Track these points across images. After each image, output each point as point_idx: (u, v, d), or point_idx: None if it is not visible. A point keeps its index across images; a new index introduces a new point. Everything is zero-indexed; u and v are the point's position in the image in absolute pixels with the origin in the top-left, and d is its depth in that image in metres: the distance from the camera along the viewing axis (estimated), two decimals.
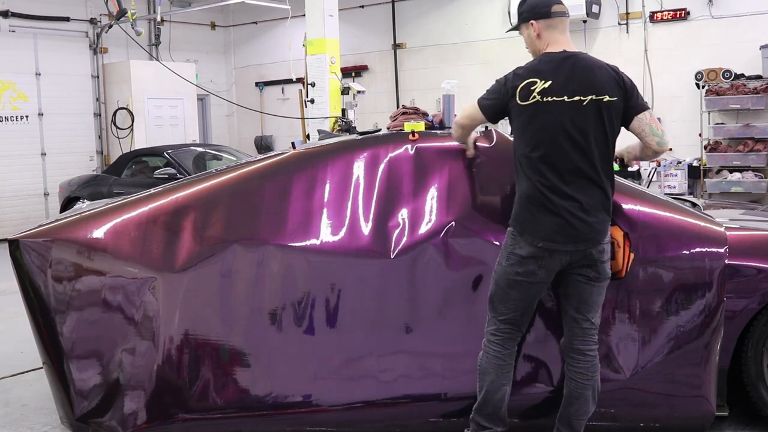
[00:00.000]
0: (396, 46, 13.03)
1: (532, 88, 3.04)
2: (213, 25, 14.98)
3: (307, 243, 3.55)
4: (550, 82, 3.03)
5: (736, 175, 9.71)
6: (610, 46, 10.78)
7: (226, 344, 3.54)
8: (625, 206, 3.46)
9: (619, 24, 10.86)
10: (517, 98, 3.07)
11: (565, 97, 3.01)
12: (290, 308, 3.52)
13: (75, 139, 12.53)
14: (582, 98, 3.01)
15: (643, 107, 3.13)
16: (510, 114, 3.14)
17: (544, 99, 3.02)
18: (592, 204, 3.02)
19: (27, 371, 4.81)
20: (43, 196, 12.15)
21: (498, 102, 3.17)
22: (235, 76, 15.30)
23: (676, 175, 10.05)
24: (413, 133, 3.75)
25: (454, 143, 3.66)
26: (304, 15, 9.09)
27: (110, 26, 11.31)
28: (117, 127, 12.47)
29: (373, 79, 13.25)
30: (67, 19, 12.40)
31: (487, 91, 3.23)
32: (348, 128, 8.44)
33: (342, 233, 3.56)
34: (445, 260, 3.47)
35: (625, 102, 3.08)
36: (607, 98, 3.03)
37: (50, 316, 3.67)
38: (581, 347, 3.14)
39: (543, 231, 3.01)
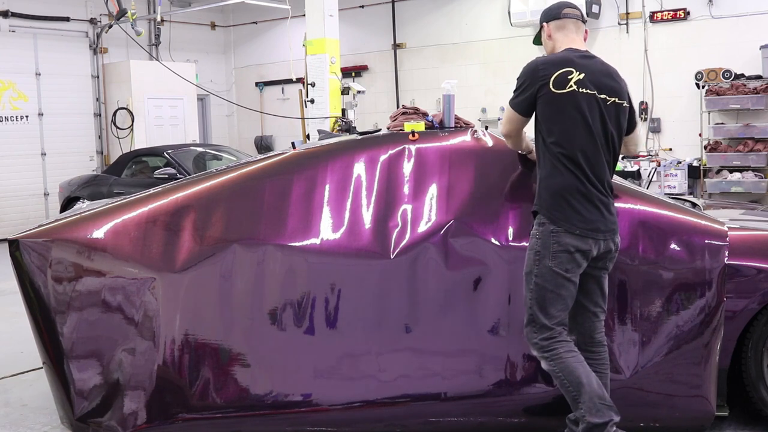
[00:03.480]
0: (396, 46, 13.03)
1: (569, 77, 3.06)
2: (213, 25, 14.98)
3: (307, 243, 3.55)
4: (583, 75, 3.08)
5: (736, 175, 9.71)
6: (610, 46, 10.78)
7: (226, 344, 3.54)
8: (625, 206, 3.46)
9: (619, 24, 10.86)
10: (551, 86, 3.06)
11: (596, 92, 3.09)
12: (290, 308, 3.52)
13: (75, 139, 12.54)
14: (607, 98, 3.12)
15: (637, 119, 3.35)
16: (537, 103, 3.13)
17: (580, 90, 3.06)
18: (611, 199, 3.17)
19: (27, 371, 4.81)
20: (43, 196, 12.15)
21: (529, 94, 3.13)
22: (235, 76, 15.31)
23: (676, 175, 10.06)
24: (413, 133, 3.75)
25: (454, 143, 3.66)
26: (304, 15, 9.09)
27: (110, 26, 11.31)
28: (117, 127, 12.47)
29: (373, 79, 13.25)
30: (67, 19, 12.40)
31: (515, 91, 3.20)
32: (348, 128, 8.44)
33: (342, 233, 3.56)
34: (445, 260, 3.47)
35: (630, 112, 3.25)
36: (625, 104, 3.18)
37: (50, 316, 3.66)
38: (601, 338, 3.24)
39: (586, 220, 3.04)
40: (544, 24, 3.31)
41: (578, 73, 3.07)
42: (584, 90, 3.07)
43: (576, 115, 3.06)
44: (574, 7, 3.29)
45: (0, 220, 11.37)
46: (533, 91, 3.11)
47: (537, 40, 3.44)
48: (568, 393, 3.07)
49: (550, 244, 3.05)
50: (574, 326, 3.21)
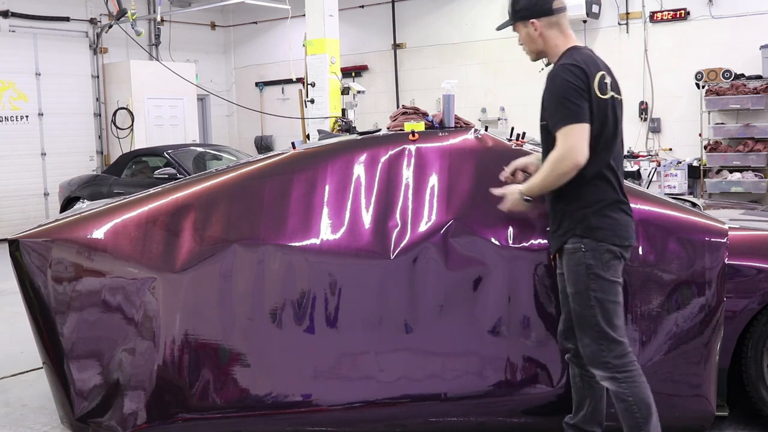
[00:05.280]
0: (396, 46, 13.03)
1: (605, 81, 2.85)
2: (213, 25, 14.98)
3: (307, 243, 3.55)
4: (611, 78, 2.90)
5: (736, 175, 9.72)
6: (610, 46, 10.78)
7: (226, 344, 3.54)
8: None
9: (619, 24, 10.87)
10: (598, 91, 2.81)
11: (615, 94, 2.94)
12: (290, 308, 3.52)
13: (75, 139, 12.54)
14: (620, 98, 2.98)
15: None
16: None
17: (614, 96, 2.90)
18: None
19: (27, 371, 4.81)
20: (43, 196, 12.15)
21: (587, 98, 2.80)
22: (235, 76, 15.31)
23: (676, 175, 10.06)
24: (413, 133, 3.75)
25: (454, 143, 3.65)
26: (304, 15, 9.10)
27: (110, 26, 11.32)
28: (117, 127, 12.47)
29: (373, 79, 13.25)
30: (67, 19, 12.40)
31: (567, 101, 2.79)
32: (348, 128, 8.45)
33: (342, 233, 3.56)
34: (445, 260, 3.47)
35: None
36: (622, 99, 3.02)
37: (50, 317, 3.66)
38: None
39: (626, 228, 2.93)
40: (533, 20, 2.97)
41: (608, 75, 2.87)
42: (615, 95, 2.89)
43: (612, 122, 2.88)
44: None
45: (0, 220, 11.38)
46: (588, 95, 2.80)
47: (502, 26, 3.15)
48: (633, 419, 2.89)
49: (602, 254, 2.88)
50: (575, 334, 3.09)
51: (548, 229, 3.13)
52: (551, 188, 2.93)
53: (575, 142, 2.77)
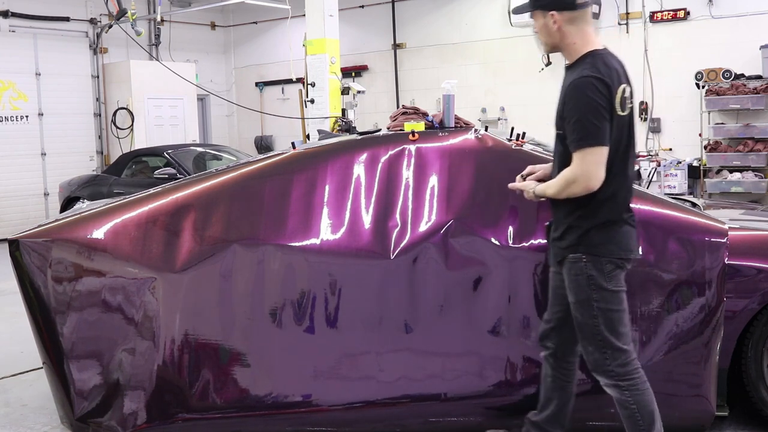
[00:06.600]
0: (396, 46, 13.03)
1: (625, 95, 2.74)
2: (213, 25, 14.98)
3: (307, 243, 3.55)
4: (630, 88, 2.78)
5: (736, 175, 9.71)
6: (610, 46, 10.62)
7: (226, 344, 3.54)
8: None
9: (619, 24, 10.87)
10: (619, 108, 2.72)
11: (632, 105, 2.84)
12: (290, 308, 3.52)
13: (75, 139, 12.54)
14: (633, 105, 2.88)
15: None
16: None
17: (632, 107, 2.78)
18: None
19: (27, 371, 4.81)
20: (43, 196, 12.15)
21: (608, 117, 2.70)
22: (235, 76, 15.31)
23: (676, 175, 10.05)
24: (413, 133, 3.75)
25: (454, 143, 3.65)
26: (304, 15, 9.10)
27: (110, 26, 11.32)
28: (117, 127, 12.47)
29: (373, 79, 13.25)
30: (67, 19, 12.40)
31: (587, 118, 2.69)
32: (348, 128, 8.44)
33: (342, 233, 3.56)
34: (445, 260, 3.47)
35: None
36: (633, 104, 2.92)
37: (50, 317, 3.66)
38: (579, 349, 3.10)
39: (629, 242, 2.88)
40: (553, 12, 2.82)
41: (629, 86, 2.75)
42: (632, 105, 2.78)
43: (628, 136, 2.80)
44: None
45: (0, 220, 11.38)
46: (609, 114, 2.69)
47: (519, 9, 2.99)
48: (636, 426, 2.87)
49: (603, 265, 2.84)
50: (557, 334, 3.11)
51: (550, 232, 3.06)
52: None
53: (591, 166, 2.71)
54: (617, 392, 2.89)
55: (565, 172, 2.80)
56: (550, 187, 2.89)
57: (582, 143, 2.72)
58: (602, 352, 2.87)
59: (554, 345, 3.12)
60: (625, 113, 2.76)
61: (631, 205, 2.97)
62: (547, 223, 3.12)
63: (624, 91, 2.76)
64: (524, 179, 3.17)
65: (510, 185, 3.18)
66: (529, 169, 3.23)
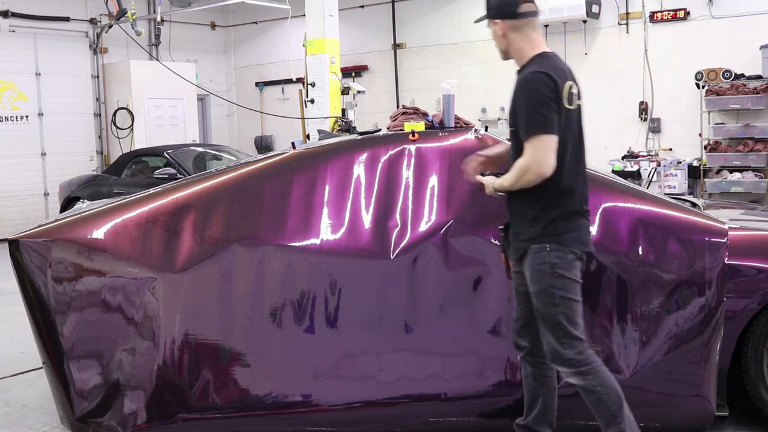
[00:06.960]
0: (396, 46, 13.03)
1: (572, 90, 2.89)
2: (213, 25, 14.98)
3: (307, 243, 3.55)
4: (577, 87, 2.94)
5: (736, 175, 9.71)
6: (610, 46, 10.79)
7: (226, 344, 3.55)
8: (625, 205, 3.46)
9: (619, 24, 10.86)
10: (566, 102, 2.86)
11: (580, 103, 2.97)
12: (290, 308, 3.53)
13: (75, 139, 12.54)
14: (581, 103, 3.01)
15: None
16: None
17: (579, 105, 2.94)
18: None
19: (27, 371, 4.81)
20: (43, 196, 12.16)
21: (556, 108, 2.84)
22: (235, 76, 15.31)
23: (676, 175, 10.06)
24: (413, 133, 3.75)
25: (454, 143, 3.65)
26: (304, 15, 9.10)
27: (110, 26, 11.32)
28: (117, 127, 12.47)
29: (373, 79, 13.25)
30: (67, 19, 12.40)
31: (535, 110, 2.83)
32: (348, 128, 8.44)
33: (342, 233, 3.56)
34: (445, 260, 3.47)
35: None
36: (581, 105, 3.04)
37: (50, 317, 3.67)
38: None
39: (587, 236, 2.99)
40: (497, 21, 3.00)
41: (575, 85, 2.92)
42: (580, 102, 2.95)
43: (576, 131, 2.94)
44: (530, 0, 2.98)
45: (0, 220, 11.38)
46: (557, 106, 2.84)
47: (479, 20, 3.13)
48: (606, 409, 2.92)
49: (566, 254, 2.92)
50: (528, 331, 3.13)
51: (508, 232, 3.09)
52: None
53: (542, 153, 2.83)
54: (581, 379, 2.94)
55: (518, 162, 2.91)
56: (507, 180, 2.97)
57: (532, 132, 2.84)
58: (561, 342, 2.93)
59: (528, 343, 3.16)
60: (572, 107, 2.89)
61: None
62: (501, 226, 3.13)
63: (571, 87, 2.89)
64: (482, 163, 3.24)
65: (474, 177, 3.22)
66: (484, 153, 3.28)
